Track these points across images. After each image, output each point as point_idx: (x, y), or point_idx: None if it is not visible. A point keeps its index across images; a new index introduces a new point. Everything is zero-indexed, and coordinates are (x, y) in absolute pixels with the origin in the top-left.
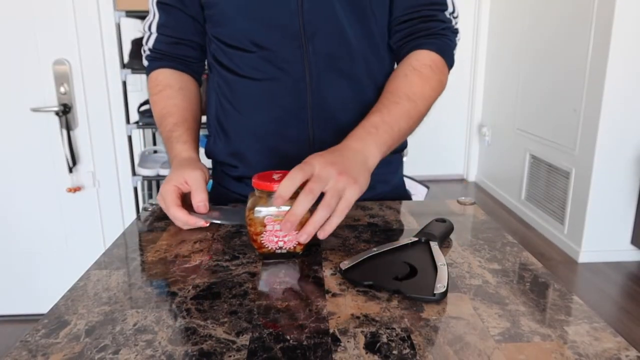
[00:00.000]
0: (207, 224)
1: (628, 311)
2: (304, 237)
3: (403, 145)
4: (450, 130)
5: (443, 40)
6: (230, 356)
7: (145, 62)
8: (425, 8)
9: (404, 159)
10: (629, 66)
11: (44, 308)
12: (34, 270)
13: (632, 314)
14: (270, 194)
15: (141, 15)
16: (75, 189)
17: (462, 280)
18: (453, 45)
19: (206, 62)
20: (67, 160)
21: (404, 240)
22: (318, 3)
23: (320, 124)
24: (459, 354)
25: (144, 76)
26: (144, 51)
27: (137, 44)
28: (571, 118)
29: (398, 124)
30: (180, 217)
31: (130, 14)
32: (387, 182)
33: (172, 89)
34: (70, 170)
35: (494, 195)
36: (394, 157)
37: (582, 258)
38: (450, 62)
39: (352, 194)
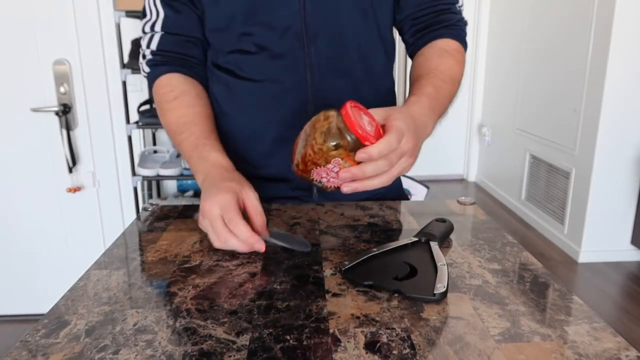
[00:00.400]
0: (264, 250)
1: (628, 311)
2: (348, 189)
3: None
4: (450, 130)
5: (458, 31)
6: (230, 356)
7: (145, 68)
8: (440, 3)
9: None
10: (629, 66)
11: (44, 308)
12: (34, 270)
13: (632, 314)
14: (353, 137)
15: (141, 16)
16: (75, 189)
17: (462, 280)
18: (465, 34)
19: None
20: (67, 160)
21: (404, 240)
22: (321, 4)
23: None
24: (459, 354)
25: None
26: (144, 56)
27: (137, 44)
28: (571, 118)
29: (444, 103)
30: (244, 233)
31: (130, 14)
32: None
33: (190, 96)
34: (70, 170)
35: (494, 195)
36: None
37: (582, 258)
38: (466, 49)
39: (407, 171)
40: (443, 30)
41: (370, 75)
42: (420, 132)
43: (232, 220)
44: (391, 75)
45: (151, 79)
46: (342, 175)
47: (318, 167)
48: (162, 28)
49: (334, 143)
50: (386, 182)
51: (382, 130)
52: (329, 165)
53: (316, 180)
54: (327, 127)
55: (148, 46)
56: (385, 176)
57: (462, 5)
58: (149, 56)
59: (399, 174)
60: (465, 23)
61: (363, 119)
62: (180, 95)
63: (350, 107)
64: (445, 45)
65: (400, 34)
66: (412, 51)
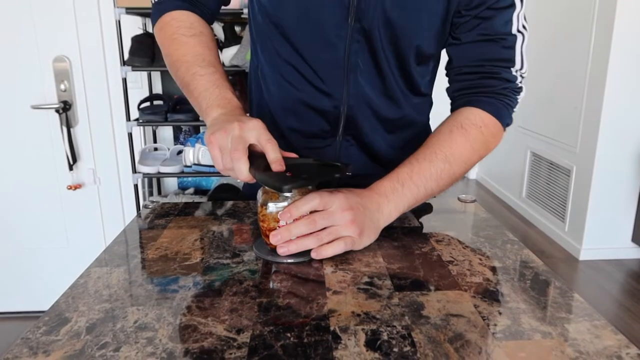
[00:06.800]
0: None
1: (629, 309)
2: (283, 250)
3: None
4: None
5: (501, 101)
6: (231, 353)
7: None
8: (490, 64)
9: None
10: (631, 63)
11: (45, 305)
12: (35, 268)
13: (633, 311)
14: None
15: (141, 12)
16: (76, 187)
17: (463, 277)
18: (513, 104)
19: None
20: (67, 157)
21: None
22: (363, 41)
23: (348, 142)
24: (460, 352)
25: (144, 73)
26: None
27: (137, 40)
28: (572, 115)
29: (425, 184)
30: (239, 171)
31: (130, 10)
32: None
33: (208, 38)
34: (71, 167)
35: (494, 193)
36: None
37: (583, 255)
38: (506, 123)
39: (349, 243)
40: (481, 97)
41: (402, 113)
42: (367, 211)
43: (270, 140)
44: (421, 116)
45: (162, 9)
46: (272, 238)
47: (277, 230)
48: None
49: (271, 203)
50: (315, 244)
51: None
52: (282, 222)
53: None
54: (263, 197)
55: None
56: (314, 239)
57: (521, 69)
58: None
59: (338, 238)
60: (516, 91)
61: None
62: (199, 34)
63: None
64: (466, 119)
65: (448, 82)
66: (451, 109)
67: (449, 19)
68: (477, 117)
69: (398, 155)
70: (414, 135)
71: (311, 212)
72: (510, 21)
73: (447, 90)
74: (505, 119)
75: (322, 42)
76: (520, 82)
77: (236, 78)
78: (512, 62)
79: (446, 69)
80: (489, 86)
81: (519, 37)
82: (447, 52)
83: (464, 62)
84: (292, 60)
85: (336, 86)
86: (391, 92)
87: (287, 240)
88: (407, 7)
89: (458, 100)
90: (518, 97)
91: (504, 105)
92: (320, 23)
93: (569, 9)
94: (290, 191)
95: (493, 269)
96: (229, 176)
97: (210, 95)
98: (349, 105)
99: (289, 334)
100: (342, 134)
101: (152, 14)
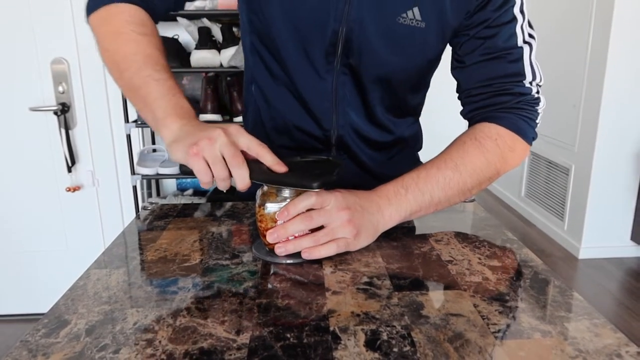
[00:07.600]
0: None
1: (628, 307)
2: (280, 250)
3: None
4: (449, 127)
5: (518, 114)
6: (230, 355)
7: None
8: (498, 81)
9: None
10: (629, 62)
11: (44, 308)
12: (33, 270)
13: (632, 309)
14: (279, 189)
15: None
16: (75, 189)
17: (462, 277)
18: (533, 117)
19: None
20: (66, 159)
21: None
22: (350, 74)
23: (342, 156)
24: (459, 351)
25: None
26: None
27: None
28: (570, 114)
29: (431, 191)
30: (243, 178)
31: None
32: None
33: (159, 41)
34: (69, 169)
35: (493, 192)
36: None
37: (582, 254)
38: (529, 137)
39: (345, 244)
40: (495, 113)
41: (392, 138)
42: (365, 212)
43: (261, 144)
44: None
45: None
46: (269, 236)
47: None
48: None
49: (269, 203)
50: (312, 244)
51: None
52: (280, 222)
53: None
54: (261, 197)
55: None
56: (311, 239)
57: (534, 79)
58: None
59: (334, 239)
60: (532, 103)
61: None
62: (150, 35)
63: None
64: (480, 132)
65: (461, 105)
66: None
67: (444, 47)
68: (492, 130)
69: (390, 168)
70: (404, 147)
71: (308, 211)
72: (514, 34)
73: (461, 113)
74: (526, 132)
75: (312, 73)
76: (537, 93)
77: (234, 79)
78: (521, 75)
79: (457, 92)
80: (502, 102)
81: (526, 48)
82: (454, 76)
83: (472, 84)
84: (285, 82)
85: (326, 116)
86: (379, 121)
87: (283, 238)
88: (395, 47)
89: (473, 120)
90: (537, 108)
91: (522, 118)
92: (309, 56)
93: (567, 8)
94: (321, 187)
95: (492, 269)
96: (212, 188)
97: (167, 103)
98: (338, 134)
99: (288, 335)
100: (334, 151)
101: (89, 1)
